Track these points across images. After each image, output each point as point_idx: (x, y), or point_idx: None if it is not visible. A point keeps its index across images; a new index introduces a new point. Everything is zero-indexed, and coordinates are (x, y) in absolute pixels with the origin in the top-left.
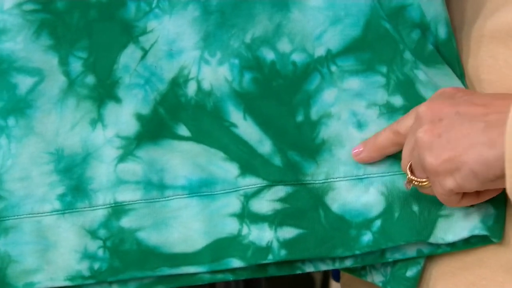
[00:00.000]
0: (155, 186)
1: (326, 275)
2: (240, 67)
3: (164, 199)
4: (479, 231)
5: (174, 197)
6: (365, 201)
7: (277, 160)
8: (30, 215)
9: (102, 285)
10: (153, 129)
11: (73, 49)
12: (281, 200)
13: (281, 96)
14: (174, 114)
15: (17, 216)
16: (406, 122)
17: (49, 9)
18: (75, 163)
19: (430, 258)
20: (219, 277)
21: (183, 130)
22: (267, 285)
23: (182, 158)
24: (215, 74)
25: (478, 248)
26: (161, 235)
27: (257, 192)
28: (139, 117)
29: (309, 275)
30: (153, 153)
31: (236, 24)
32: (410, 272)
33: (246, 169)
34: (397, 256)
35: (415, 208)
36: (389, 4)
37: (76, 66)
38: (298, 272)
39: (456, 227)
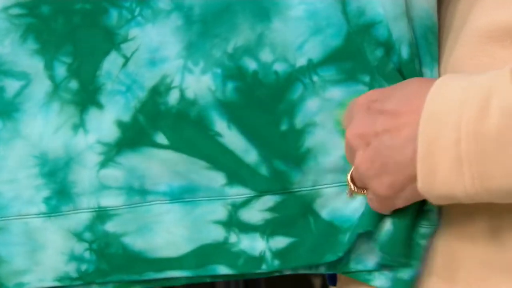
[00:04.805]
0: (137, 191)
1: (325, 280)
2: (223, 77)
3: (147, 203)
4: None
5: (156, 202)
6: (353, 207)
7: (263, 170)
8: (18, 217)
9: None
10: (133, 136)
11: (58, 53)
12: (270, 209)
13: (265, 105)
14: (153, 122)
15: (5, 217)
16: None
17: (35, 13)
18: (58, 167)
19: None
20: (197, 278)
21: (161, 138)
22: (267, 286)
23: (161, 166)
24: (198, 83)
25: (475, 248)
26: (145, 240)
27: (246, 202)
28: (120, 124)
29: (308, 279)
30: (133, 160)
31: (218, 33)
32: (406, 275)
33: (233, 178)
34: (359, 267)
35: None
36: (357, 21)
37: (61, 70)
38: (277, 274)
39: None
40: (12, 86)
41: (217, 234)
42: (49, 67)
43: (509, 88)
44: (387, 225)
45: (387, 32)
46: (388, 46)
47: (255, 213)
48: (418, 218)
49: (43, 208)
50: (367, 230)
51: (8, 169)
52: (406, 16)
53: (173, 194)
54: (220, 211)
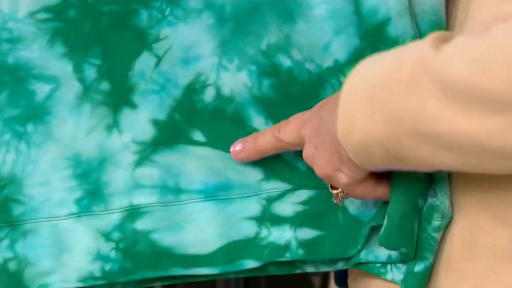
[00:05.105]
0: (171, 190)
1: (324, 279)
2: (258, 73)
3: (179, 203)
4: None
5: (189, 201)
6: (376, 202)
7: (300, 165)
8: (47, 219)
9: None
10: (169, 135)
11: (87, 56)
12: (303, 202)
13: (300, 102)
14: (189, 119)
15: (35, 220)
16: (288, 133)
17: (61, 17)
18: (92, 168)
19: (436, 253)
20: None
21: (198, 136)
22: (267, 286)
23: (198, 163)
24: (234, 80)
25: (486, 241)
26: (175, 237)
27: (281, 196)
28: (155, 122)
29: (308, 279)
30: (169, 158)
31: (251, 31)
32: (418, 268)
33: (270, 173)
34: (370, 258)
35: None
36: (370, 21)
37: (91, 73)
38: (298, 271)
39: None
40: (42, 89)
41: (249, 230)
42: (78, 70)
43: (425, 48)
44: (384, 219)
45: (395, 29)
46: (397, 44)
47: (288, 206)
48: (427, 211)
49: (74, 209)
50: (379, 224)
51: (40, 172)
52: (409, 12)
53: (208, 192)
54: (254, 207)
